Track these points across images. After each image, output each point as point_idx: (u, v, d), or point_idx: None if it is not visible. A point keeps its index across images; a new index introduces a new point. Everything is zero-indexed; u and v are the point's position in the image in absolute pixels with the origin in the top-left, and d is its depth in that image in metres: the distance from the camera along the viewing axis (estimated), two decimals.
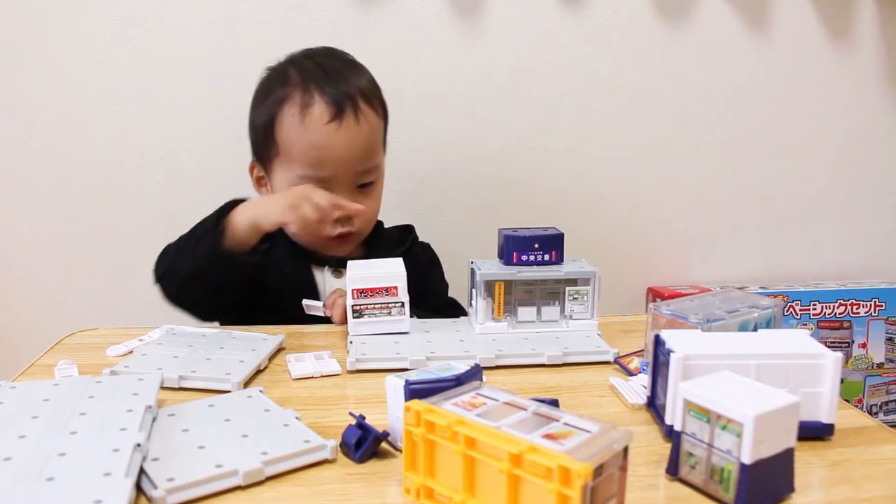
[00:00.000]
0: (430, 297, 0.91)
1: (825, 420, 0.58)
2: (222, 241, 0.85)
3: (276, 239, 0.91)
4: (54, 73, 1.17)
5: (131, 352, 0.77)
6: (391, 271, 0.81)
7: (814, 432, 0.58)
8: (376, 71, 1.09)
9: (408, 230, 1.08)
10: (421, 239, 1.10)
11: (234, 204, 0.90)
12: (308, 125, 0.91)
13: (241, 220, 0.86)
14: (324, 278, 0.98)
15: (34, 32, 1.16)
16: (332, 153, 0.91)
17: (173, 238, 1.25)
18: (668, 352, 0.57)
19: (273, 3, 1.19)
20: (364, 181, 0.95)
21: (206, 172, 1.22)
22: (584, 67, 1.30)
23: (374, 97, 0.96)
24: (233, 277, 0.88)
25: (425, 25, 1.23)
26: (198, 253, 0.86)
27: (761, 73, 1.36)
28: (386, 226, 1.08)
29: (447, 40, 1.24)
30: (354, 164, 0.93)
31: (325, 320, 0.90)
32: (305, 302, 0.90)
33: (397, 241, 1.05)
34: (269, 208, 0.85)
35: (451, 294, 1.08)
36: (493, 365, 0.75)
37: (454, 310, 1.00)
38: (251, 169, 1.01)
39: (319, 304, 0.90)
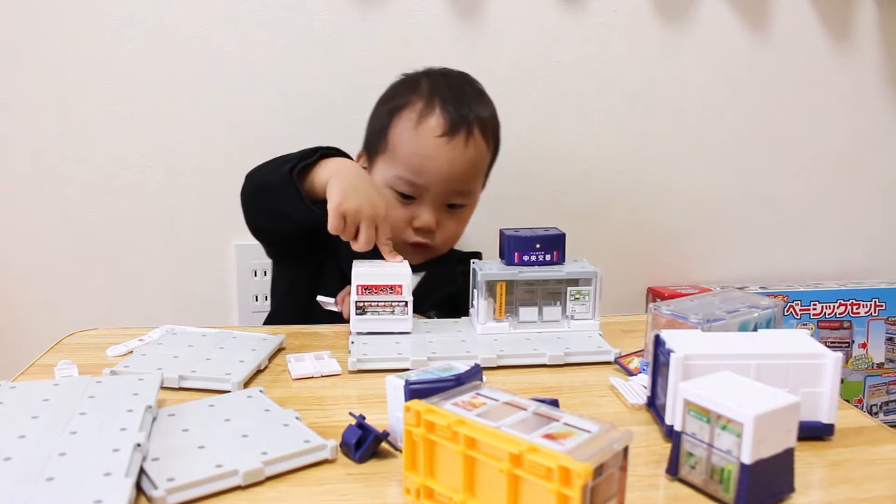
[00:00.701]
0: (465, 311, 0.92)
1: (825, 420, 0.58)
2: (303, 175, 0.85)
3: None
4: (54, 73, 1.17)
5: (131, 352, 0.77)
6: (397, 270, 0.82)
7: (814, 432, 0.58)
8: (376, 71, 1.10)
9: (474, 255, 1.11)
10: None
11: (336, 153, 0.90)
12: (420, 133, 0.95)
13: (321, 174, 0.85)
14: None
15: (34, 32, 1.16)
16: (432, 164, 0.94)
17: (172, 238, 1.25)
18: (668, 352, 0.57)
19: (273, 3, 1.19)
20: (455, 202, 0.99)
21: (206, 172, 1.22)
22: (584, 67, 1.30)
23: (489, 129, 1.00)
24: (288, 214, 0.86)
25: (425, 25, 1.23)
26: (276, 171, 0.86)
27: (761, 73, 1.35)
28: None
29: (447, 40, 1.24)
30: (450, 182, 0.96)
31: (338, 316, 0.91)
32: (320, 298, 0.91)
33: (460, 260, 1.07)
34: (335, 193, 0.82)
35: None
36: (495, 365, 0.75)
37: None
38: (359, 157, 1.04)
39: (332, 300, 0.91)
